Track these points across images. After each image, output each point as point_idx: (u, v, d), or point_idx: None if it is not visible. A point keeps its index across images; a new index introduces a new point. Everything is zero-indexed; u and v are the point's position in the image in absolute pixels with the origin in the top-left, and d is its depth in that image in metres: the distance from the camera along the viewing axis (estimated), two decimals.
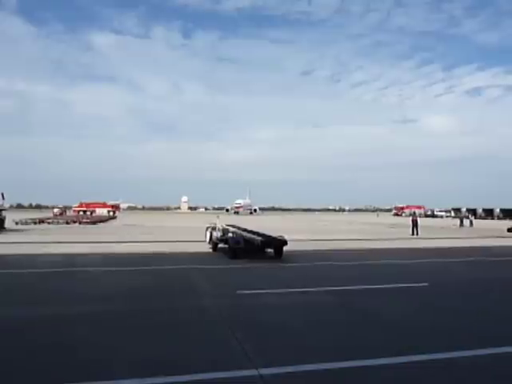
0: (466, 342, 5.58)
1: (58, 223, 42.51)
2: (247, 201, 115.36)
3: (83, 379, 4.32)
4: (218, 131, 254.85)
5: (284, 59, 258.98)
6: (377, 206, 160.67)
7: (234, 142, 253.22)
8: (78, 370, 4.58)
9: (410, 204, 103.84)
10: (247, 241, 15.14)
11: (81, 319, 6.67)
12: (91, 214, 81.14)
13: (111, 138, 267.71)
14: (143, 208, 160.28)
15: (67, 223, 42.76)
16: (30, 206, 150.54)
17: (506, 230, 30.70)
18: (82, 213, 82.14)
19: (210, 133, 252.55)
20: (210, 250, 16.86)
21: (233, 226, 18.33)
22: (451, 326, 6.42)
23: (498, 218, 76.04)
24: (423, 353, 5.10)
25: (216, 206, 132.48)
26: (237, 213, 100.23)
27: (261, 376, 4.41)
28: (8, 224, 31.39)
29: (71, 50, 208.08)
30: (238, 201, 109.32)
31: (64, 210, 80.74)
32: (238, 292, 8.73)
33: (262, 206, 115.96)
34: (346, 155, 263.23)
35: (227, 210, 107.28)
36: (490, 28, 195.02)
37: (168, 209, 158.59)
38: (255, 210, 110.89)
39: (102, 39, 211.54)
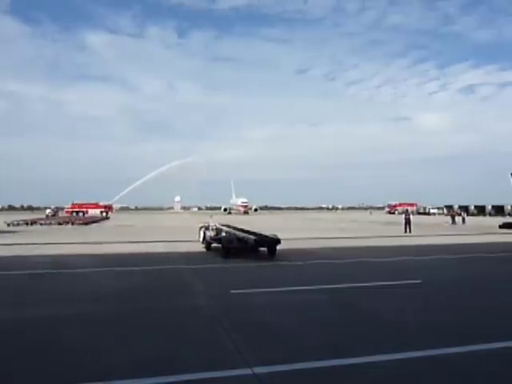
0: (458, 339, 5.61)
1: (50, 224, 42.22)
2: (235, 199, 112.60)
3: (78, 380, 4.29)
4: (213, 130, 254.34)
5: (279, 58, 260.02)
6: (370, 203, 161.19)
7: (229, 141, 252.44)
8: (73, 372, 4.55)
9: (403, 202, 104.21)
10: (240, 240, 15.13)
11: (73, 320, 6.61)
12: (84, 214, 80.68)
13: (105, 138, 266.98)
14: (136, 208, 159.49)
15: (60, 224, 42.50)
16: (22, 208, 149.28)
17: (497, 227, 30.92)
18: (74, 213, 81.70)
19: (205, 132, 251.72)
20: (204, 250, 16.82)
21: (226, 226, 18.30)
22: (443, 323, 6.46)
23: (490, 215, 76.69)
24: (414, 350, 5.11)
25: (209, 206, 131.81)
26: (230, 213, 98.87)
27: (255, 375, 4.41)
28: None
29: (65, 50, 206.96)
30: (243, 199, 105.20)
31: (56, 211, 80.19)
32: (232, 291, 8.71)
33: (256, 205, 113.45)
34: (341, 153, 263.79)
35: (225, 210, 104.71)
36: (484, 25, 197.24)
37: (161, 209, 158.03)
38: (256, 210, 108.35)
39: (96, 39, 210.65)
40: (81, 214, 79.75)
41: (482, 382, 4.37)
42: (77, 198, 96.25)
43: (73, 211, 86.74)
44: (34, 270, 11.59)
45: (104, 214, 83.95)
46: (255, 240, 14.74)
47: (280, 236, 15.55)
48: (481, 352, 5.11)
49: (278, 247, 14.92)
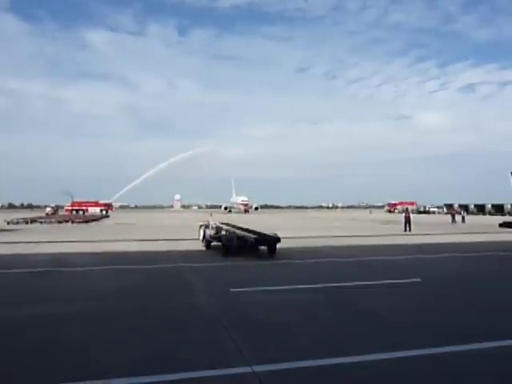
0: (455, 338, 5.60)
1: (50, 223, 42.22)
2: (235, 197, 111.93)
3: (78, 379, 4.29)
4: (214, 129, 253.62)
5: (280, 56, 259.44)
6: (370, 202, 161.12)
7: (229, 140, 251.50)
8: (73, 370, 4.55)
9: (403, 200, 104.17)
10: (240, 238, 15.12)
11: (72, 319, 6.61)
12: (84, 213, 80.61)
13: (105, 136, 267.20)
14: (136, 207, 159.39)
15: (59, 222, 42.49)
16: (22, 206, 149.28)
17: (497, 226, 30.90)
18: (74, 212, 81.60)
19: (206, 130, 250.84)
20: (204, 248, 16.83)
21: (226, 224, 18.30)
22: (440, 323, 6.46)
23: (490, 214, 76.82)
24: (409, 349, 5.12)
25: (209, 204, 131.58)
26: (230, 211, 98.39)
27: (255, 373, 4.41)
28: None
29: (66, 48, 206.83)
30: (243, 197, 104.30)
31: (56, 209, 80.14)
32: (232, 290, 8.71)
33: (256, 203, 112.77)
34: (341, 152, 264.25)
35: (225, 208, 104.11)
36: (484, 24, 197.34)
37: (161, 207, 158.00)
38: (256, 208, 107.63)
39: (96, 36, 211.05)
40: (81, 213, 79.65)
41: (474, 381, 4.37)
42: (77, 196, 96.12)
43: (73, 209, 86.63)
44: (33, 269, 11.58)
45: (104, 212, 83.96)
46: (255, 239, 14.76)
47: (280, 235, 15.59)
48: (473, 352, 5.11)
49: (278, 246, 14.93)
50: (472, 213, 78.55)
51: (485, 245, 18.85)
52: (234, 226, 17.77)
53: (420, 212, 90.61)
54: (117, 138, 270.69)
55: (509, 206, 76.00)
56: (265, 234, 15.83)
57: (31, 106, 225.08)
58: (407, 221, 28.49)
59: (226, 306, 7.53)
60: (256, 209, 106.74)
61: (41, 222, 42.06)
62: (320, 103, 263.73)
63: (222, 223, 18.55)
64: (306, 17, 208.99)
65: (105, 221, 51.60)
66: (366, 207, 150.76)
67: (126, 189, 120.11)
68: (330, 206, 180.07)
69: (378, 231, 28.63)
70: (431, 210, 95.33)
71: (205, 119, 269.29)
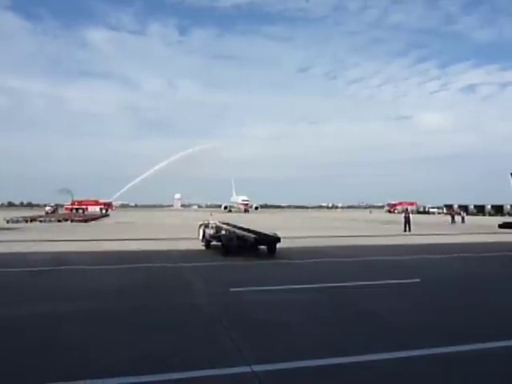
0: (455, 338, 5.59)
1: (49, 221, 42.23)
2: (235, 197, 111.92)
3: (78, 378, 4.29)
4: (214, 128, 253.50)
5: (281, 56, 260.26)
6: (370, 202, 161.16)
7: (230, 140, 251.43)
8: (72, 369, 4.53)
9: (403, 200, 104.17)
10: (240, 238, 15.12)
11: (72, 318, 6.60)
12: (83, 211, 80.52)
13: (105, 135, 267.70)
14: (136, 206, 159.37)
15: (59, 221, 42.52)
16: (22, 204, 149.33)
17: (497, 226, 30.88)
18: (74, 211, 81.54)
19: (206, 130, 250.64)
20: (203, 248, 16.83)
21: (226, 224, 18.29)
22: (440, 323, 6.45)
23: (490, 215, 76.91)
24: (409, 349, 5.11)
25: (209, 204, 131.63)
26: (230, 211, 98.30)
27: (254, 373, 4.41)
28: None
29: (66, 47, 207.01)
30: (243, 197, 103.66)
31: (56, 208, 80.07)
32: (232, 289, 8.70)
33: (256, 203, 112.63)
34: (341, 152, 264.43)
35: (225, 208, 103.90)
36: (485, 25, 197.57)
37: (161, 206, 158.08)
38: (256, 208, 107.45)
39: (97, 35, 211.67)
40: (80, 211, 79.55)
41: (477, 381, 4.36)
42: (77, 195, 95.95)
43: (72, 208, 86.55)
44: (33, 267, 11.56)
45: (103, 211, 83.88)
46: (255, 238, 14.75)
47: (280, 234, 15.59)
48: (477, 352, 5.10)
49: (278, 245, 14.92)
50: (472, 213, 78.59)
51: (484, 245, 18.86)
52: (234, 226, 17.76)
53: (420, 212, 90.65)
54: (117, 137, 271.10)
55: (508, 207, 76.17)
56: (265, 234, 15.82)
57: (31, 104, 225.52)
58: (407, 221, 28.51)
59: (226, 305, 7.52)
60: (256, 208, 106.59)
61: (40, 221, 42.08)
62: (321, 103, 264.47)
63: (222, 223, 18.55)
64: (307, 17, 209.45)
65: (105, 220, 51.61)
66: (366, 207, 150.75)
67: (125, 188, 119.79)
68: (330, 205, 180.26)
69: (378, 231, 28.64)
70: (431, 210, 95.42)
71: (205, 119, 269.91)
